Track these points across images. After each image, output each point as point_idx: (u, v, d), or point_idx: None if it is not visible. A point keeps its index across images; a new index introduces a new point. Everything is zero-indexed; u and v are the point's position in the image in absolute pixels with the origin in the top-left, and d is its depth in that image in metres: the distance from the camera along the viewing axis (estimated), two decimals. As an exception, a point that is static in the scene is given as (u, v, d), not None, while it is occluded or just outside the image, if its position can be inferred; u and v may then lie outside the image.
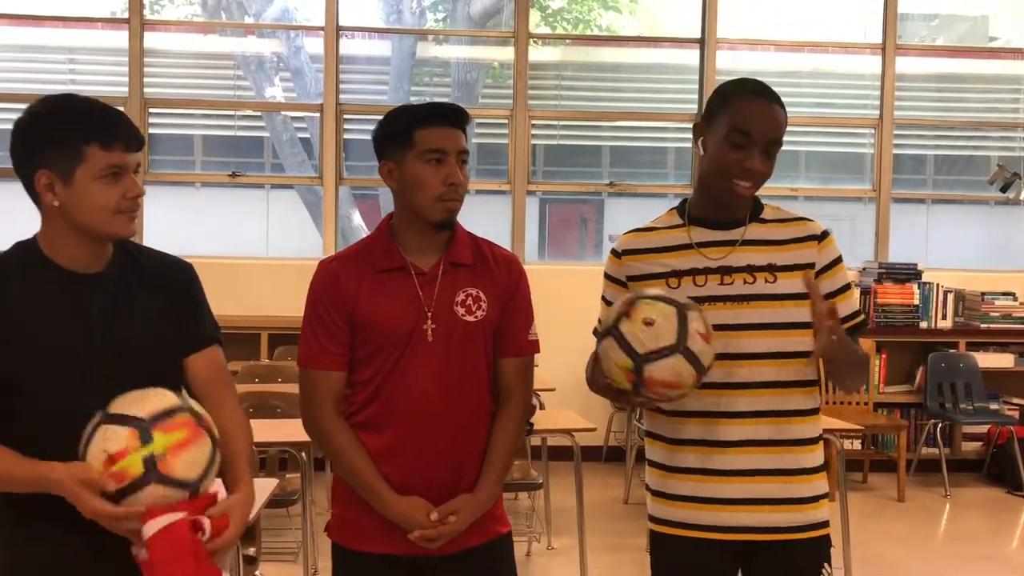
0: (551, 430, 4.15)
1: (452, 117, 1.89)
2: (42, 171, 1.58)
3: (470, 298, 1.92)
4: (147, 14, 6.44)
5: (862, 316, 1.95)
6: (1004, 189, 6.23)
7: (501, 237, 6.20)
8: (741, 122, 1.81)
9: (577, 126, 6.95)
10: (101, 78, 6.87)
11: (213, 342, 1.81)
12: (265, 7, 7.54)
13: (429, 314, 1.89)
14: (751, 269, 1.86)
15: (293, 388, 4.36)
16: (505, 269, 1.98)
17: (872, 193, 6.68)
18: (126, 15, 6.32)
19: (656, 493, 1.96)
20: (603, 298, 2.02)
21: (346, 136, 6.54)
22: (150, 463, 1.47)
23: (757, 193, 1.90)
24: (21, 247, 1.68)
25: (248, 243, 7.42)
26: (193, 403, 1.59)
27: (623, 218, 7.66)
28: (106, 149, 1.58)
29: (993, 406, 6.02)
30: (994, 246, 7.48)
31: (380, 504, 1.88)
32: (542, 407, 4.66)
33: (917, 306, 6.05)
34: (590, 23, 8.14)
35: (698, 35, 6.58)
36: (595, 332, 1.92)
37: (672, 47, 7.13)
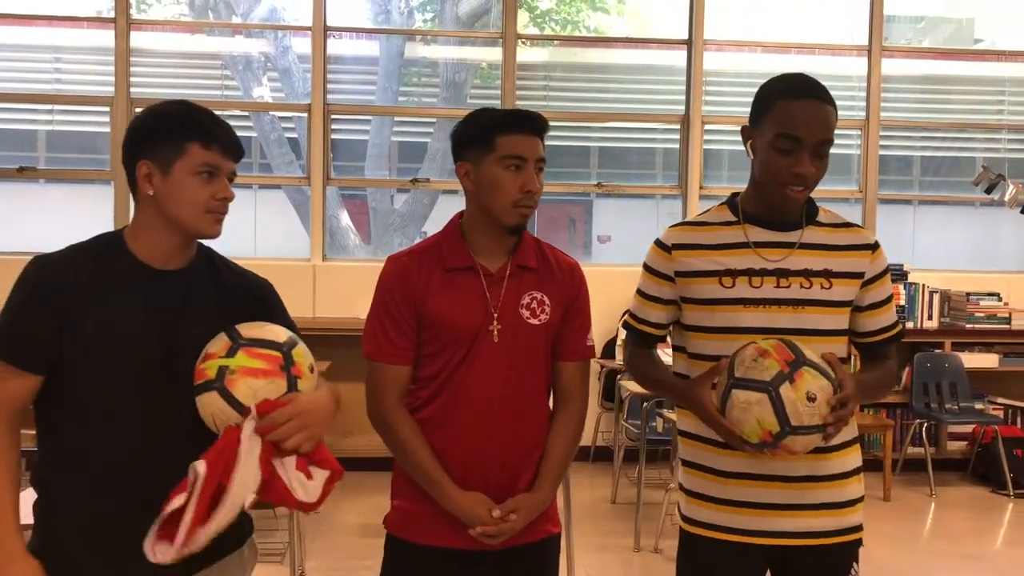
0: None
1: (533, 125, 1.93)
2: (144, 161, 1.66)
3: (535, 301, 1.97)
4: (133, 13, 6.40)
5: (899, 327, 1.96)
6: (989, 190, 6.27)
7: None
8: (788, 127, 1.75)
9: (565, 127, 6.96)
10: (87, 77, 6.83)
11: None
12: (253, 7, 7.52)
13: (495, 315, 1.93)
14: (808, 274, 1.83)
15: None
16: (568, 275, 2.03)
17: (858, 194, 6.71)
18: (112, 14, 6.29)
19: (694, 495, 1.94)
20: (639, 291, 2.00)
21: (334, 136, 6.52)
22: (222, 372, 1.59)
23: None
24: (104, 237, 1.73)
25: (236, 243, 7.37)
26: (302, 352, 1.68)
27: (611, 219, 7.68)
28: (206, 148, 1.65)
29: (978, 406, 6.07)
30: (979, 247, 7.53)
31: (442, 497, 1.91)
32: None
33: (903, 306, 6.09)
34: (578, 24, 8.15)
35: (686, 36, 6.60)
36: (625, 325, 1.98)
37: (660, 48, 7.15)
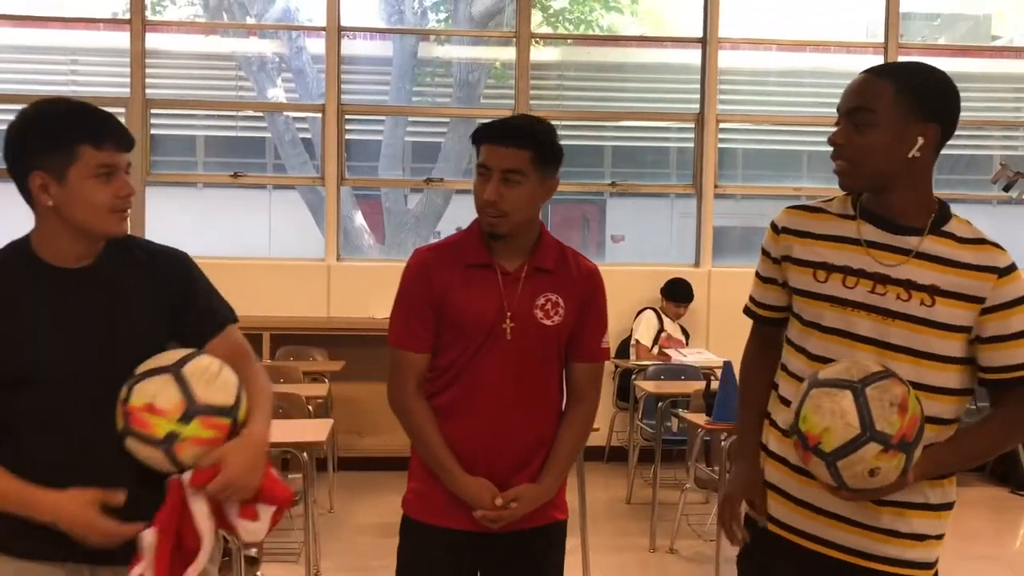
0: (553, 430, 4.14)
1: (489, 135, 1.98)
2: (36, 172, 1.60)
3: (549, 303, 2.02)
4: (149, 15, 6.44)
5: None
6: (1007, 188, 6.20)
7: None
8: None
9: (579, 126, 6.94)
10: (103, 79, 6.86)
11: (226, 322, 1.82)
12: (267, 8, 7.54)
13: (509, 314, 1.99)
14: (911, 286, 1.65)
15: (295, 388, 4.38)
16: (587, 279, 2.08)
17: (875, 192, 6.67)
18: (128, 16, 6.32)
19: (777, 490, 1.81)
20: (757, 275, 1.90)
21: (348, 136, 6.53)
22: (172, 437, 1.58)
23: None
24: (13, 247, 1.70)
25: (250, 244, 7.41)
26: (242, 396, 1.68)
27: (625, 218, 7.66)
28: (98, 148, 1.60)
29: (996, 406, 6.00)
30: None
31: (450, 480, 2.00)
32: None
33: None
34: (592, 23, 8.12)
35: (700, 34, 6.57)
36: (746, 311, 1.92)
37: (674, 47, 7.12)
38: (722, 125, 6.57)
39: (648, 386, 5.16)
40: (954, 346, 1.67)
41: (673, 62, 7.18)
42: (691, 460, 4.52)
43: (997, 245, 1.71)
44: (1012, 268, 1.69)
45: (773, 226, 1.84)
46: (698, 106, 6.58)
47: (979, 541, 4.82)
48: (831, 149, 1.73)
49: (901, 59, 6.60)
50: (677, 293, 6.10)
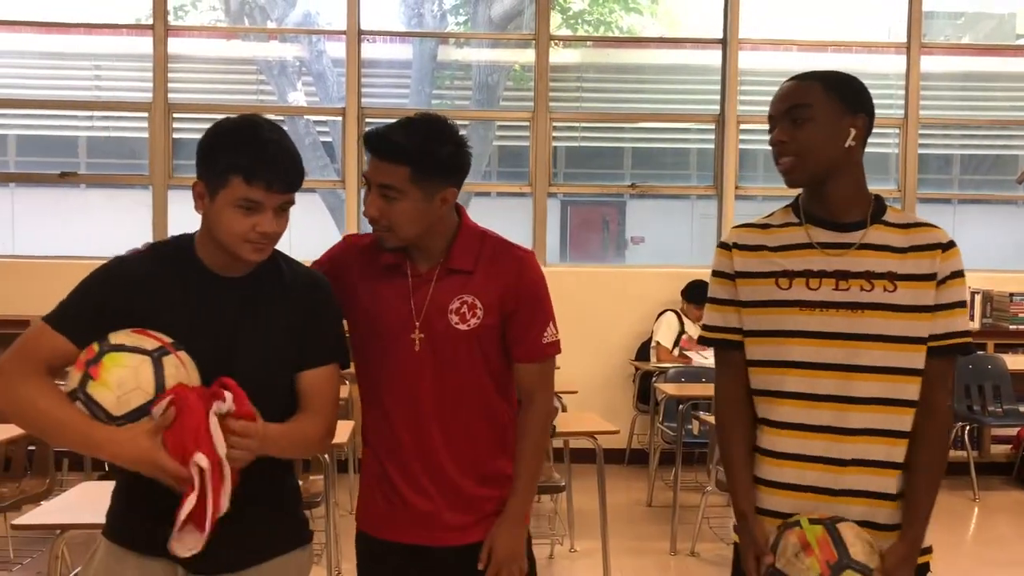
0: (573, 432, 4.14)
1: (370, 144, 1.82)
2: (199, 180, 1.69)
3: (465, 305, 1.87)
4: (171, 20, 6.49)
5: (961, 340, 1.77)
6: (1032, 188, 6.14)
7: (522, 240, 6.19)
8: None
9: (598, 128, 6.94)
10: (126, 84, 6.93)
11: (329, 362, 1.80)
12: (287, 12, 7.58)
13: (417, 323, 1.86)
14: (870, 276, 1.75)
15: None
16: (511, 270, 1.90)
17: (897, 193, 6.61)
18: (150, 21, 6.38)
19: (775, 515, 1.82)
20: (711, 300, 1.89)
21: (368, 139, 6.55)
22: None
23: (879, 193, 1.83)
24: (176, 240, 1.77)
25: (271, 246, 7.45)
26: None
27: (645, 220, 7.64)
28: (247, 183, 1.64)
29: (1022, 408, 5.94)
30: (1022, 246, 7.38)
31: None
32: (564, 409, 4.65)
33: (944, 307, 5.98)
34: (611, 25, 8.11)
35: (720, 35, 6.54)
36: (712, 341, 1.88)
37: (694, 48, 7.10)
38: (743, 126, 6.54)
39: (668, 388, 5.14)
40: (922, 326, 1.74)
41: (693, 63, 7.15)
42: (712, 463, 4.50)
43: (933, 224, 1.82)
44: (952, 244, 1.79)
45: (724, 245, 1.89)
46: (718, 107, 6.56)
47: (1005, 547, 4.76)
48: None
49: (923, 58, 6.55)
50: (698, 295, 6.08)
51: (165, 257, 1.74)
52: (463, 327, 1.86)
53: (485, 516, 1.93)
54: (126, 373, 1.56)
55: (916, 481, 1.76)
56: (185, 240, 1.77)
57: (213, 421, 1.55)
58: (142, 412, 1.57)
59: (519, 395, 1.97)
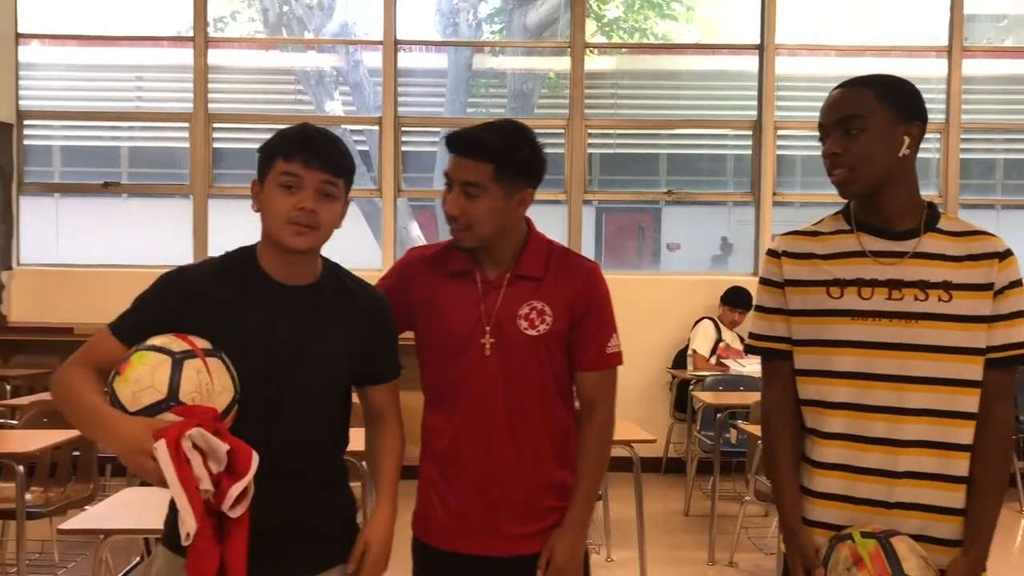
0: (610, 441, 4.12)
1: (454, 144, 1.87)
2: (255, 180, 1.76)
3: (534, 311, 1.89)
4: (211, 32, 6.59)
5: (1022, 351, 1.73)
6: (1079, 193, 6.02)
7: (558, 247, 6.19)
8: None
9: (633, 135, 6.92)
10: (167, 95, 7.04)
11: (396, 376, 1.89)
12: (324, 23, 7.66)
13: (487, 328, 1.88)
14: (924, 285, 1.71)
15: (352, 397, 4.41)
16: (580, 280, 1.94)
17: (939, 199, 6.51)
18: (191, 33, 6.48)
19: (826, 527, 1.80)
20: (758, 308, 1.87)
21: (404, 148, 6.60)
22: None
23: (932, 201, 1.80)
24: (243, 250, 1.80)
25: (309, 255, 7.52)
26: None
27: (681, 227, 7.59)
28: (287, 160, 1.69)
29: (1070, 418, 5.81)
30: (1069, 252, 7.24)
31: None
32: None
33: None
34: (646, 32, 8.09)
35: (757, 41, 6.50)
36: (759, 350, 1.86)
37: (730, 54, 7.06)
38: (780, 132, 6.49)
39: (706, 397, 5.10)
40: (978, 337, 1.70)
41: (729, 69, 7.11)
42: (751, 472, 4.46)
43: (989, 233, 1.78)
44: (1009, 253, 1.76)
45: (772, 252, 1.86)
46: (755, 113, 6.51)
47: (1052, 558, 4.66)
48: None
49: (965, 62, 6.45)
50: (737, 299, 6.04)
51: (229, 269, 1.76)
52: (532, 332, 1.89)
53: (547, 527, 1.94)
54: (144, 371, 1.58)
55: (979, 497, 1.72)
56: (250, 249, 1.79)
57: (192, 435, 1.53)
58: (154, 411, 1.57)
59: (580, 405, 1.99)
